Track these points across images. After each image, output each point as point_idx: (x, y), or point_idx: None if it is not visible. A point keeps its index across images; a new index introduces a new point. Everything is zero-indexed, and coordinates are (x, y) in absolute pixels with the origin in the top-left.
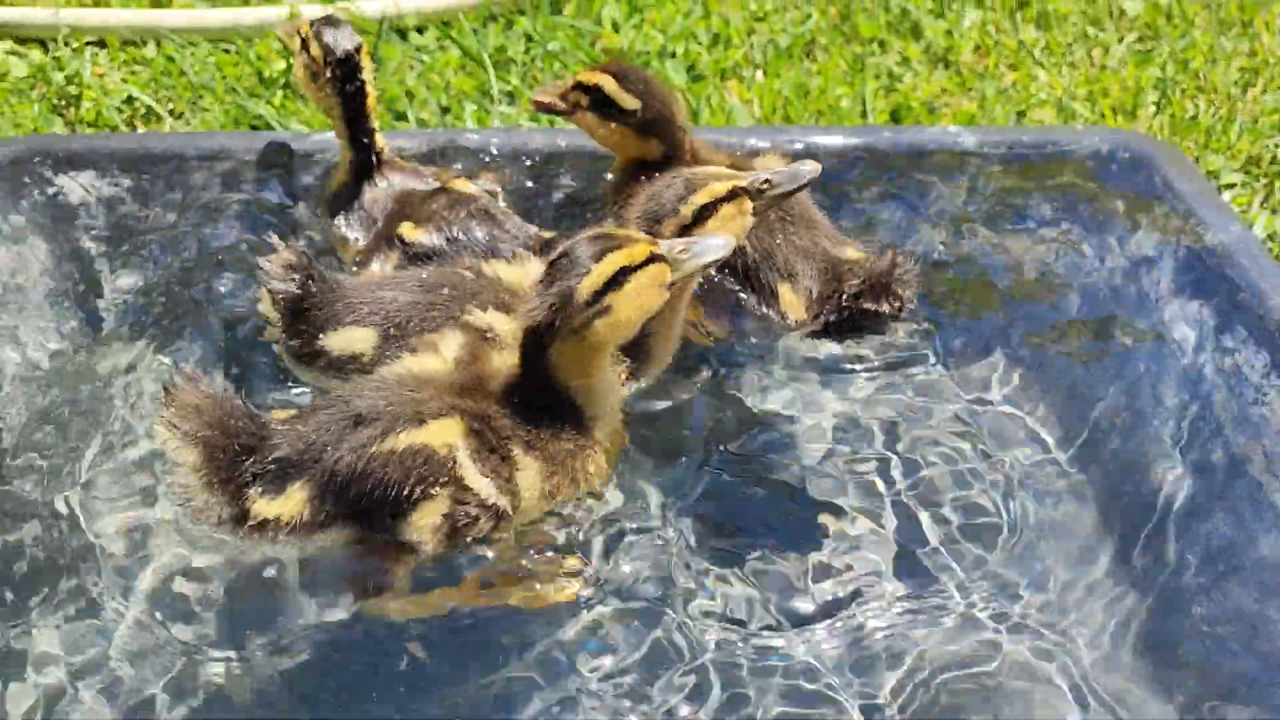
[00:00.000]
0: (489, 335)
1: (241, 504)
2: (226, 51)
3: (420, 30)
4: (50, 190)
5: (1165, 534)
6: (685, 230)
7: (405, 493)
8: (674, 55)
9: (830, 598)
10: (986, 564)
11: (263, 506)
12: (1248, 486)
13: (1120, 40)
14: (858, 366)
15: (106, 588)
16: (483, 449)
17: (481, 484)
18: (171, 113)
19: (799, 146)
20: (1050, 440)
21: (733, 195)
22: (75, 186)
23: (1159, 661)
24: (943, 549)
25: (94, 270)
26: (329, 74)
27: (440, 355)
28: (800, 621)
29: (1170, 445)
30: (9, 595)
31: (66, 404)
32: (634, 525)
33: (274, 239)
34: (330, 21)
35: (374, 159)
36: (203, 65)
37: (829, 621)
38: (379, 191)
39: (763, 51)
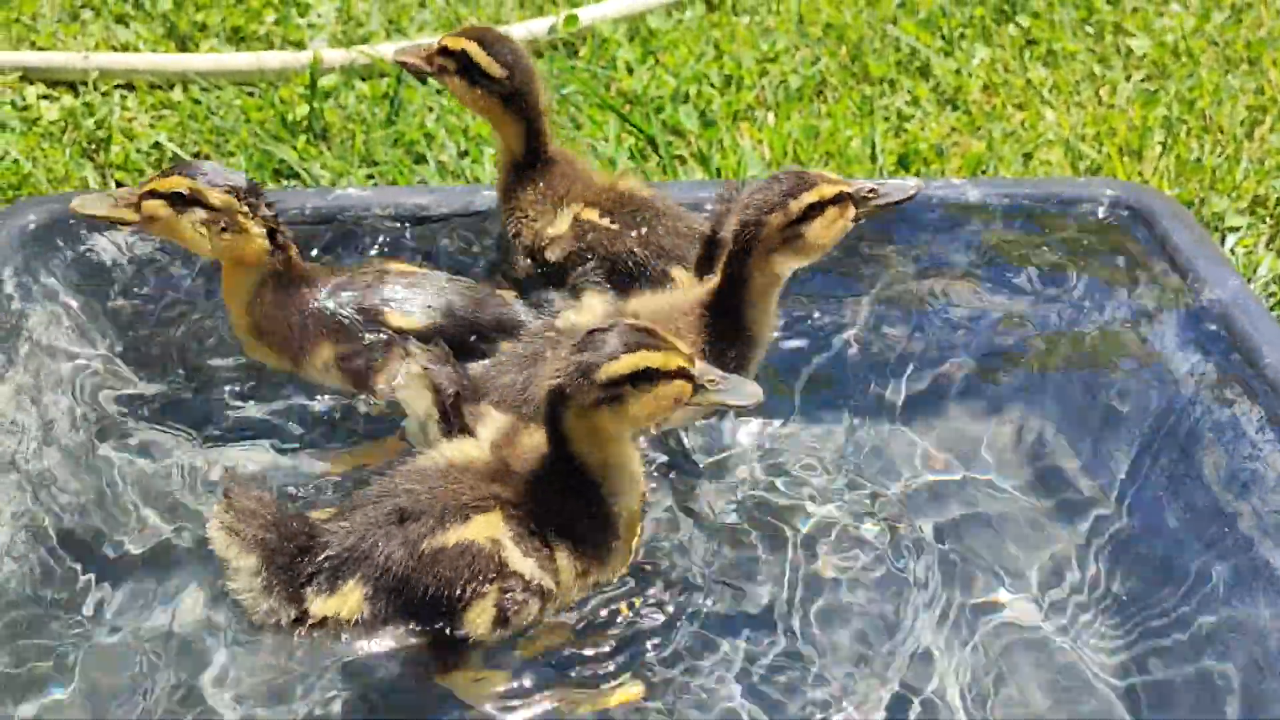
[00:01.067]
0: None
1: (301, 604)
2: (250, 95)
3: None
4: (82, 249)
5: (1158, 587)
6: (791, 225)
7: (457, 592)
8: (687, 99)
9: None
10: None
11: (320, 605)
12: (1240, 542)
13: (1128, 79)
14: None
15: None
16: (523, 533)
17: (526, 566)
18: (197, 156)
19: None
20: (1043, 489)
21: (839, 199)
22: (108, 245)
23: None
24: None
25: (123, 330)
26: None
27: (477, 441)
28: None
29: (1164, 497)
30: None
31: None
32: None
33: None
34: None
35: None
36: (228, 109)
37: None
38: None
39: (774, 93)
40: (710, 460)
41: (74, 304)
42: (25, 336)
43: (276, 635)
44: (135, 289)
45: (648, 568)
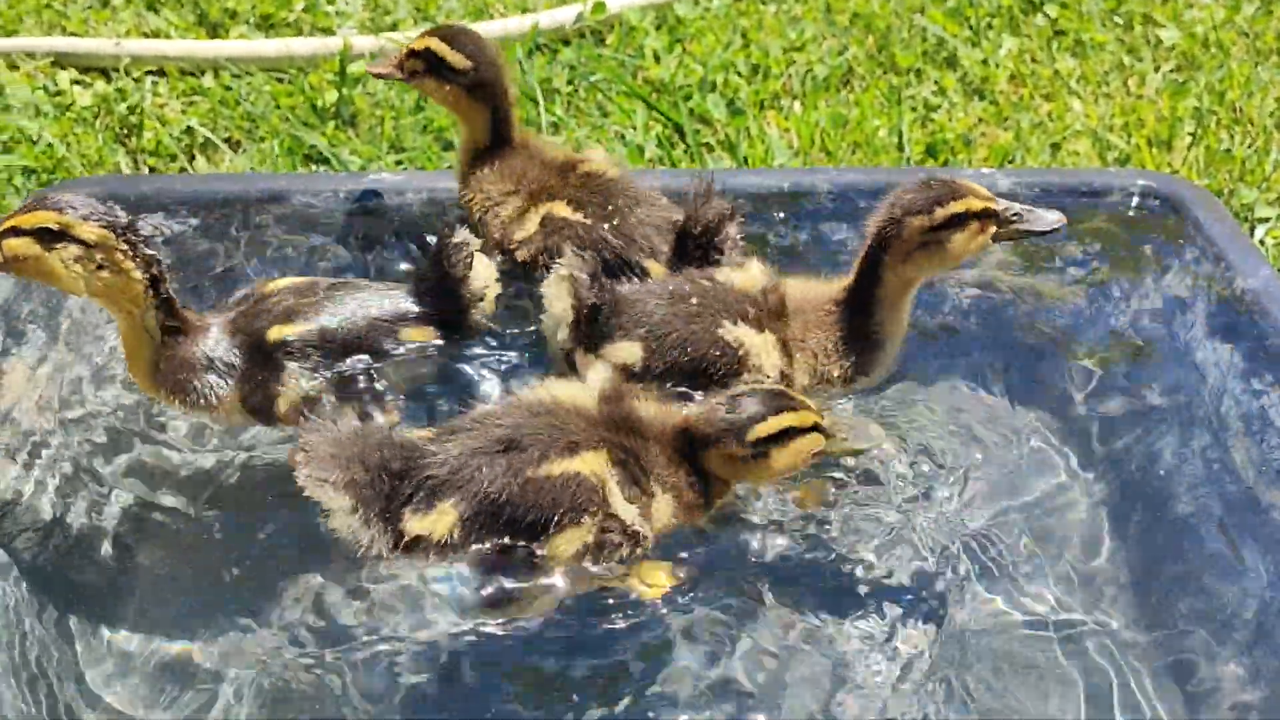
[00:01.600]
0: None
1: (398, 525)
2: (280, 81)
3: None
4: None
5: (1186, 581)
6: (932, 231)
7: (555, 517)
8: (714, 87)
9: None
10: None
11: (416, 524)
12: (1272, 534)
13: (1157, 70)
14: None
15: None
16: (626, 479)
17: (629, 511)
18: (228, 141)
19: (830, 185)
20: (1073, 478)
21: (984, 215)
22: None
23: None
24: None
25: None
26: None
27: (586, 387)
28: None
29: (1193, 489)
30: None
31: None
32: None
33: (567, 248)
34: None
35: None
36: (258, 95)
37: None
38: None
39: (801, 82)
40: None
41: None
42: (65, 314)
43: (373, 563)
44: (177, 270)
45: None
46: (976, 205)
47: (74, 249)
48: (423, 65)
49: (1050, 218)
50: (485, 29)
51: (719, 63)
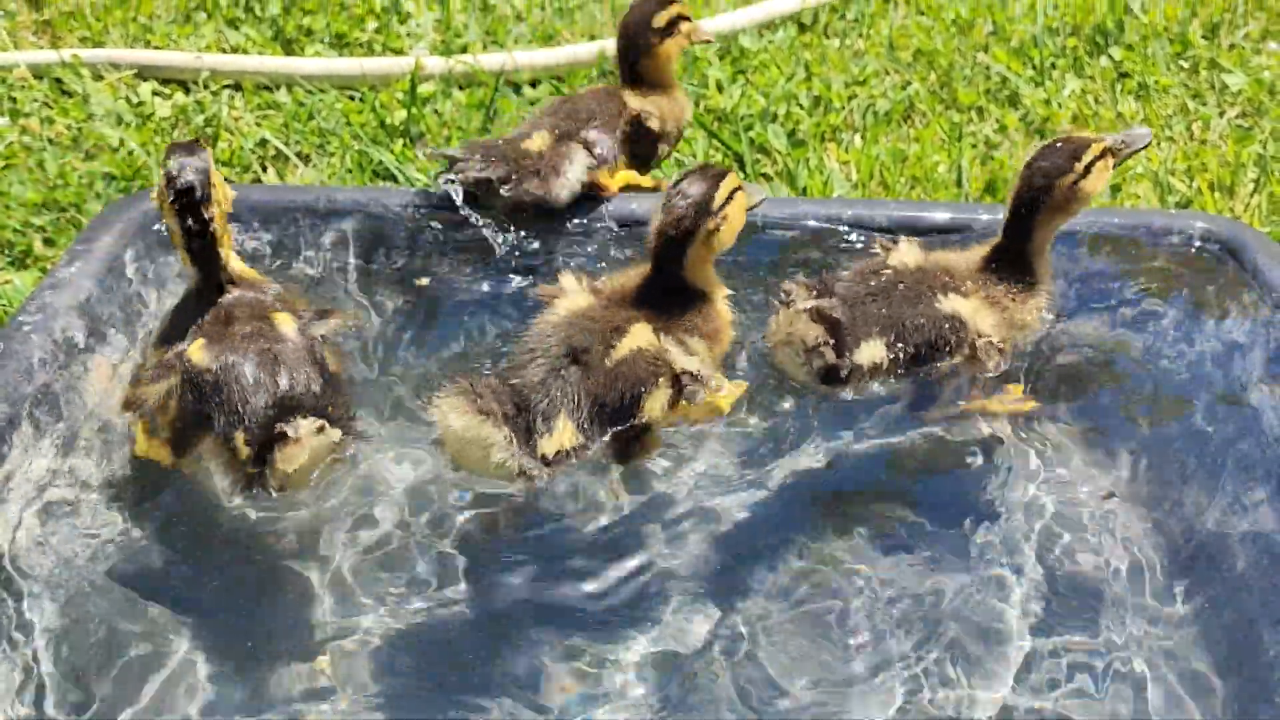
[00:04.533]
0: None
1: (536, 450)
2: (352, 98)
3: (534, 84)
4: None
5: (1242, 619)
6: (1074, 184)
7: (642, 389)
8: (776, 118)
9: None
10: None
11: (548, 444)
12: None
13: (1221, 115)
14: (933, 428)
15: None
16: (666, 332)
17: (690, 362)
18: (299, 154)
19: (887, 218)
20: (1130, 517)
21: (1104, 154)
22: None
23: None
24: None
25: None
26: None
27: (577, 289)
28: None
29: (1249, 529)
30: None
31: None
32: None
33: (796, 281)
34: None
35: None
36: (330, 111)
37: None
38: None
39: (862, 116)
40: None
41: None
42: (144, 322)
43: (529, 483)
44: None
45: None
46: (1098, 148)
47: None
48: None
49: (1143, 132)
50: (552, 55)
51: (781, 94)
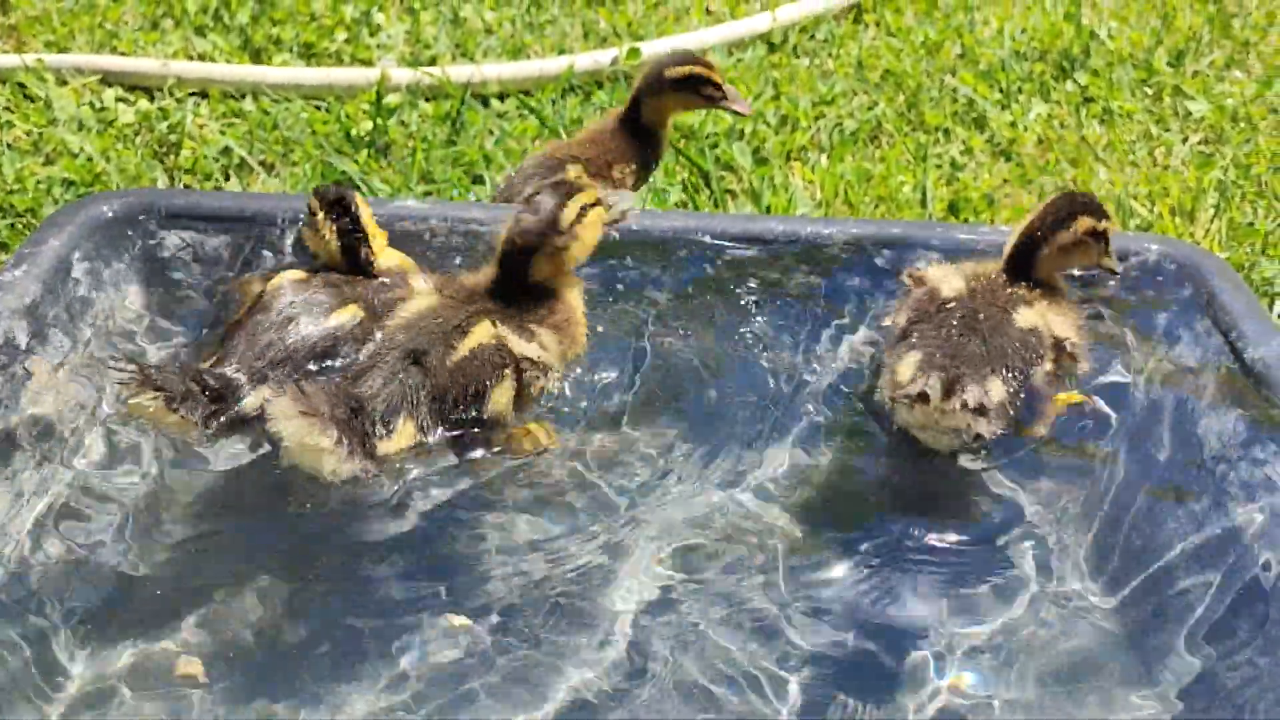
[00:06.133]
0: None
1: (374, 453)
2: (318, 108)
3: (502, 98)
4: (151, 242)
5: (1188, 652)
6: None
7: (485, 384)
8: (742, 135)
9: None
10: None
11: (388, 445)
12: (1276, 604)
13: (1184, 141)
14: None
15: None
16: (511, 328)
17: (529, 349)
18: (262, 164)
19: (849, 236)
20: (1068, 546)
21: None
22: (176, 240)
23: None
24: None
25: (191, 326)
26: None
27: (425, 291)
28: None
29: (1195, 556)
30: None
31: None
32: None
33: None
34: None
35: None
36: (295, 120)
37: None
38: None
39: (829, 135)
40: None
41: (140, 296)
42: (89, 322)
43: (366, 485)
44: (202, 285)
45: None
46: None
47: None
48: None
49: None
50: (522, 69)
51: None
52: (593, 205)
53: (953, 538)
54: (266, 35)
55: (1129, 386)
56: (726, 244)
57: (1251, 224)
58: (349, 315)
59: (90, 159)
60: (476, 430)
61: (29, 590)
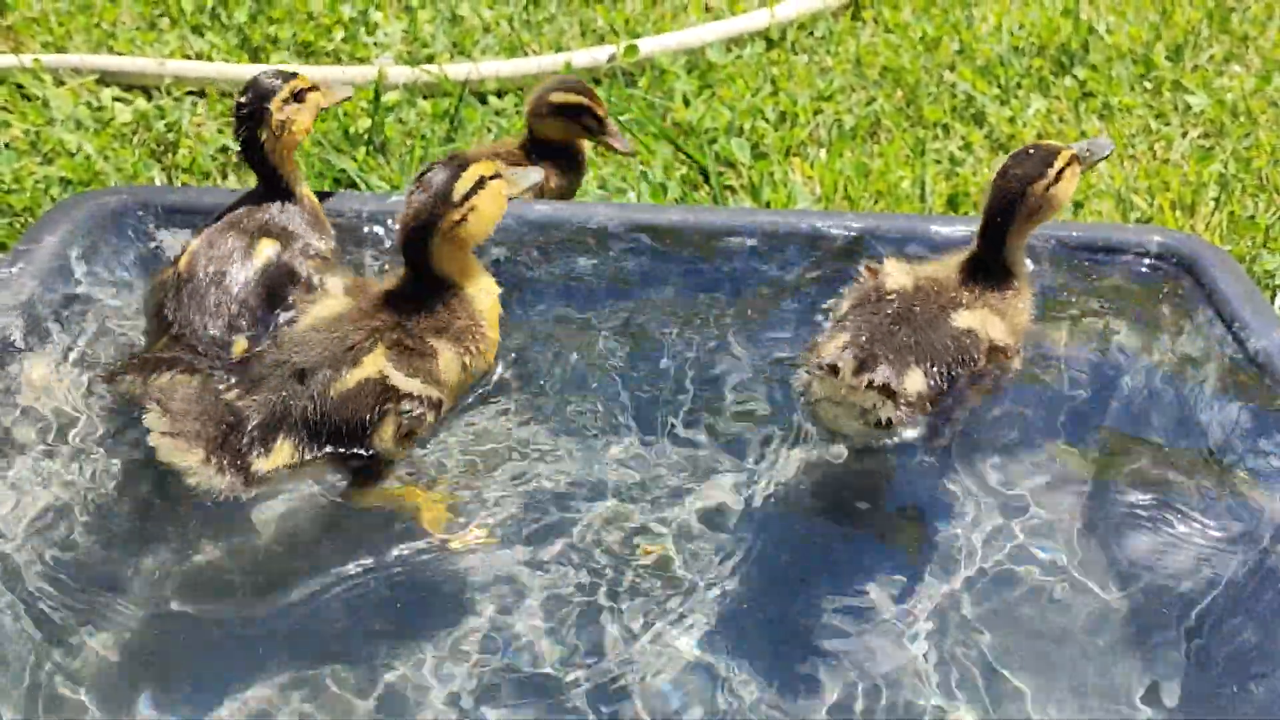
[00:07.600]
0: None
1: (248, 470)
2: None
3: (499, 95)
4: (148, 240)
5: (1189, 641)
6: (1048, 189)
7: (366, 418)
8: (741, 132)
9: None
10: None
11: (263, 464)
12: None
13: (1184, 135)
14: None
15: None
16: (403, 356)
17: (413, 385)
18: None
19: (853, 230)
20: (1070, 540)
21: (1072, 160)
22: (171, 239)
23: None
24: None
25: None
26: None
27: (335, 295)
28: None
29: (1197, 548)
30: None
31: None
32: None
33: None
34: None
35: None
36: None
37: None
38: None
39: (827, 131)
40: None
41: (137, 293)
42: (91, 316)
43: (236, 501)
44: None
45: None
46: (1068, 154)
47: None
48: None
49: (1105, 141)
50: (519, 66)
51: (747, 108)
52: (492, 177)
53: (946, 532)
54: (264, 34)
55: (1131, 376)
56: (725, 239)
57: (1252, 217)
58: (270, 249)
59: (88, 158)
60: (366, 457)
61: (27, 590)
